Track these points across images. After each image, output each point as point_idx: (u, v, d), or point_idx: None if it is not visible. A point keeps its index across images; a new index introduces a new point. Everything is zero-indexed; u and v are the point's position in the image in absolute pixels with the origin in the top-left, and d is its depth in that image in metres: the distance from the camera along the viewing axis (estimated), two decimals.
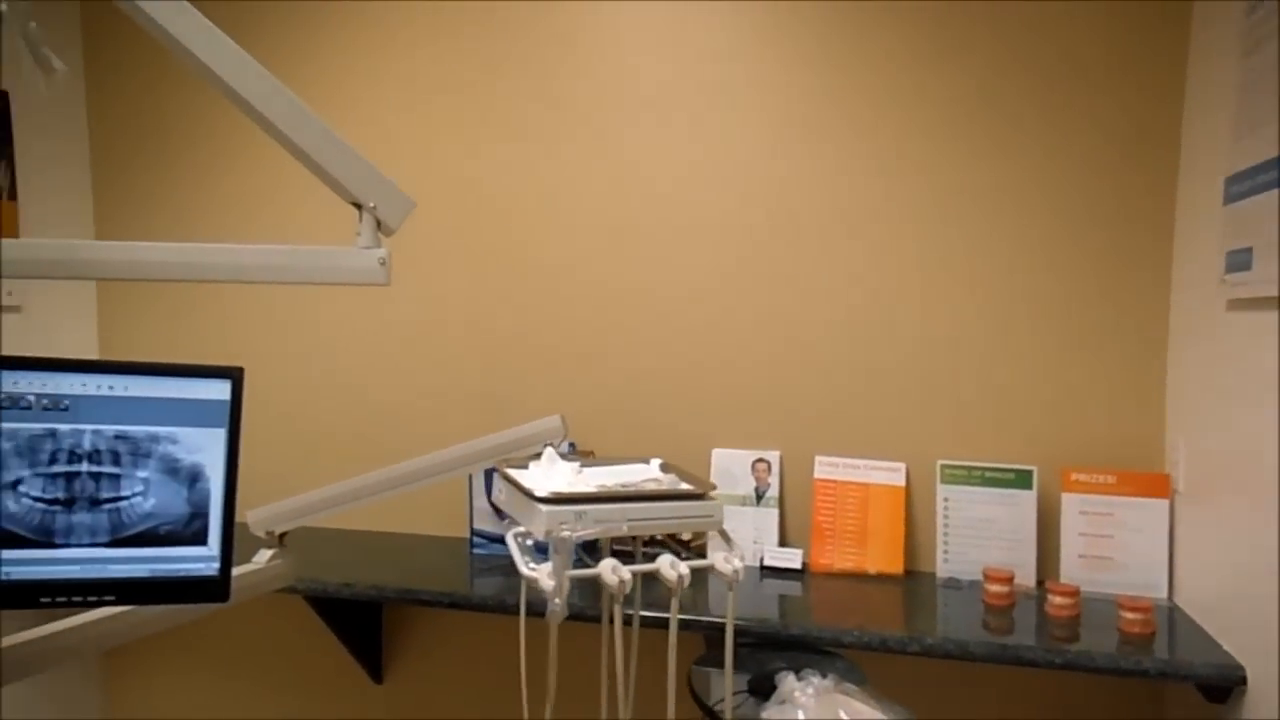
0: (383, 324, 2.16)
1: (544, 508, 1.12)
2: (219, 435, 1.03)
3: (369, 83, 2.13)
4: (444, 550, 2.02)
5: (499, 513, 1.97)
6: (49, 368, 0.96)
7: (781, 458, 1.92)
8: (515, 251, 2.06)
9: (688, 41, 1.94)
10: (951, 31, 1.81)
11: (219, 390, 1.03)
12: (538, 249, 2.05)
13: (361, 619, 2.15)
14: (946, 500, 1.81)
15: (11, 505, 0.96)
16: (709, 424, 1.98)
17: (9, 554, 0.96)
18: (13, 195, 2.16)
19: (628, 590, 1.12)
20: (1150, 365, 1.76)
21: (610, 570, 1.13)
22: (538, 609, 1.14)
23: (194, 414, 1.02)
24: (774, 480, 1.91)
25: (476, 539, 2.00)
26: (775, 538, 1.90)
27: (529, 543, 1.19)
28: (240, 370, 1.03)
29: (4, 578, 0.96)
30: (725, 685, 1.21)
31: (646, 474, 1.35)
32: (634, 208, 2.00)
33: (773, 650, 1.55)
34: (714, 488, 1.27)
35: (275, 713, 2.30)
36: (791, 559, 1.84)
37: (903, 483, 1.85)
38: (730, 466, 1.92)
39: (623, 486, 1.25)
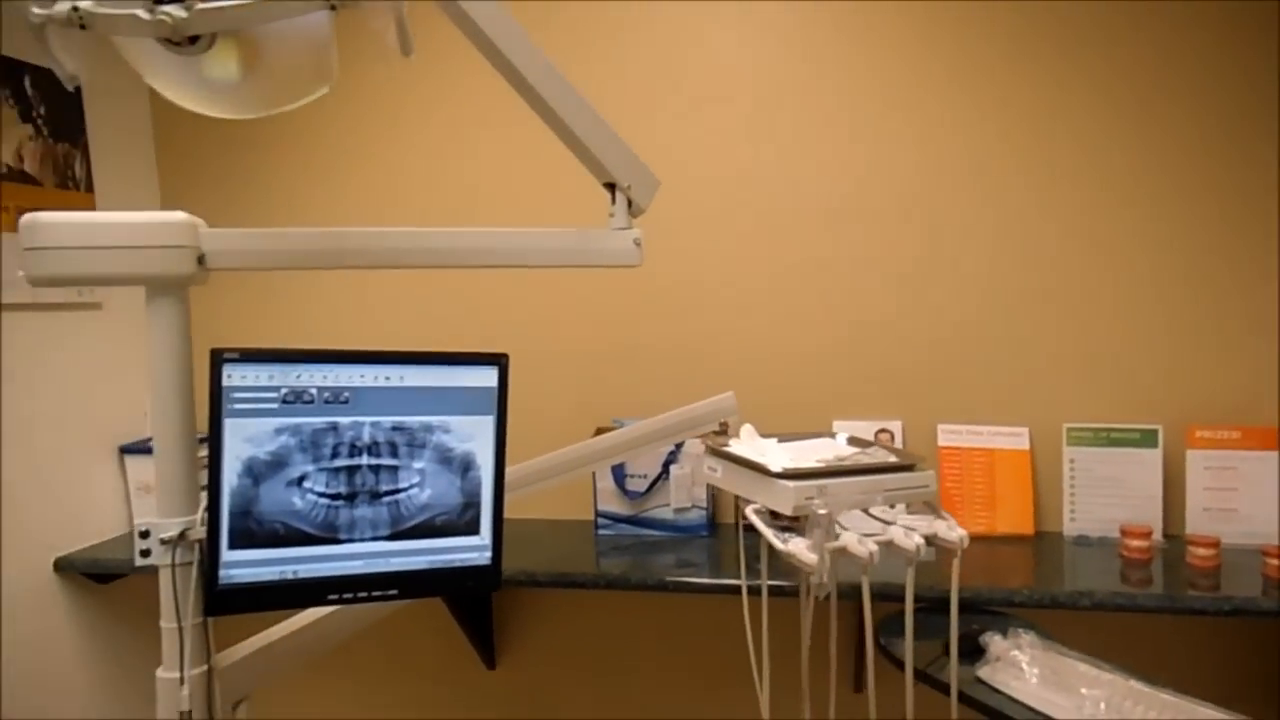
0: (486, 301, 2.14)
1: (790, 483, 1.13)
2: (487, 423, 1.01)
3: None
4: (568, 533, 2.01)
5: (627, 493, 1.97)
6: (331, 360, 0.94)
7: (904, 427, 1.95)
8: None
9: (774, 32, 1.94)
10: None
11: (487, 377, 1.01)
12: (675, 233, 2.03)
13: (474, 604, 2.14)
14: (1073, 461, 1.86)
15: (297, 502, 0.93)
16: (829, 396, 2.00)
17: (297, 552, 0.94)
18: (89, 187, 2.08)
19: (875, 561, 1.13)
20: (1269, 320, 1.82)
21: (856, 542, 1.14)
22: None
23: (464, 402, 1.00)
24: None
25: (601, 520, 1.99)
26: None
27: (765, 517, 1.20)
28: (506, 357, 1.02)
29: (292, 576, 0.94)
30: (951, 654, 1.23)
31: (840, 448, 1.36)
32: (765, 192, 2.01)
33: (940, 614, 1.58)
34: (923, 459, 1.28)
35: (390, 699, 2.29)
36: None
37: (1027, 446, 1.89)
38: None
39: (839, 460, 1.26)
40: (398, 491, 0.98)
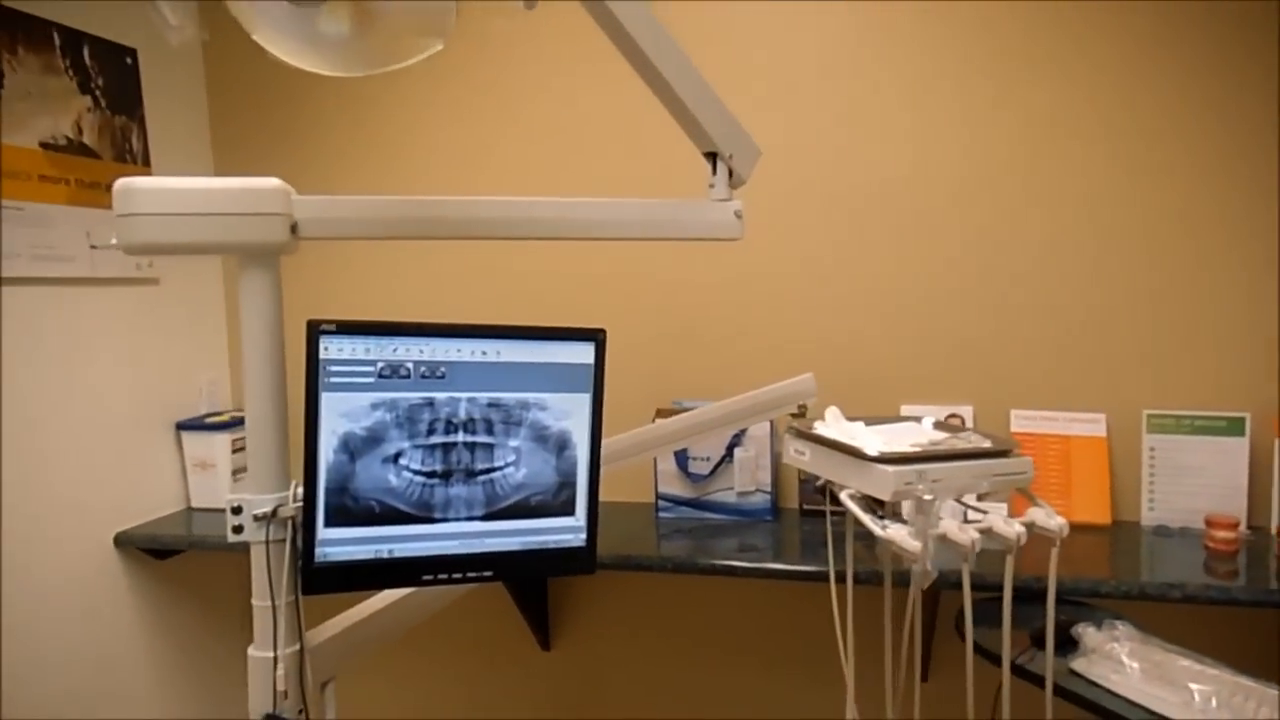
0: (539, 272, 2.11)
1: (889, 468, 1.08)
2: (584, 400, 0.98)
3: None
4: (628, 515, 1.98)
5: (690, 476, 1.93)
6: (428, 333, 0.90)
7: (975, 412, 1.90)
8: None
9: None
10: None
11: (584, 353, 0.98)
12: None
13: (530, 586, 2.12)
14: (1153, 449, 1.79)
15: (393, 479, 0.91)
16: (896, 379, 1.95)
17: (394, 530, 0.91)
18: (146, 160, 2.06)
19: (978, 549, 1.09)
20: None
21: (958, 529, 1.09)
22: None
23: (561, 379, 0.97)
24: None
25: (662, 502, 1.96)
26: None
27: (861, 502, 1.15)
28: (603, 332, 0.98)
29: (388, 555, 0.92)
30: (1047, 644, 1.19)
31: (929, 432, 1.31)
32: (830, 173, 1.95)
33: (1023, 604, 1.53)
34: (1018, 445, 1.24)
35: (447, 680, 2.29)
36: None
37: (1104, 433, 1.83)
38: None
39: (933, 445, 1.21)
40: (493, 470, 0.95)
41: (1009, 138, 1.86)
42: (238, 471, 2.15)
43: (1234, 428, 1.75)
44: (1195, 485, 1.77)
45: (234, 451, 2.14)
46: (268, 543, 0.90)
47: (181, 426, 2.16)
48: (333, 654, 1.00)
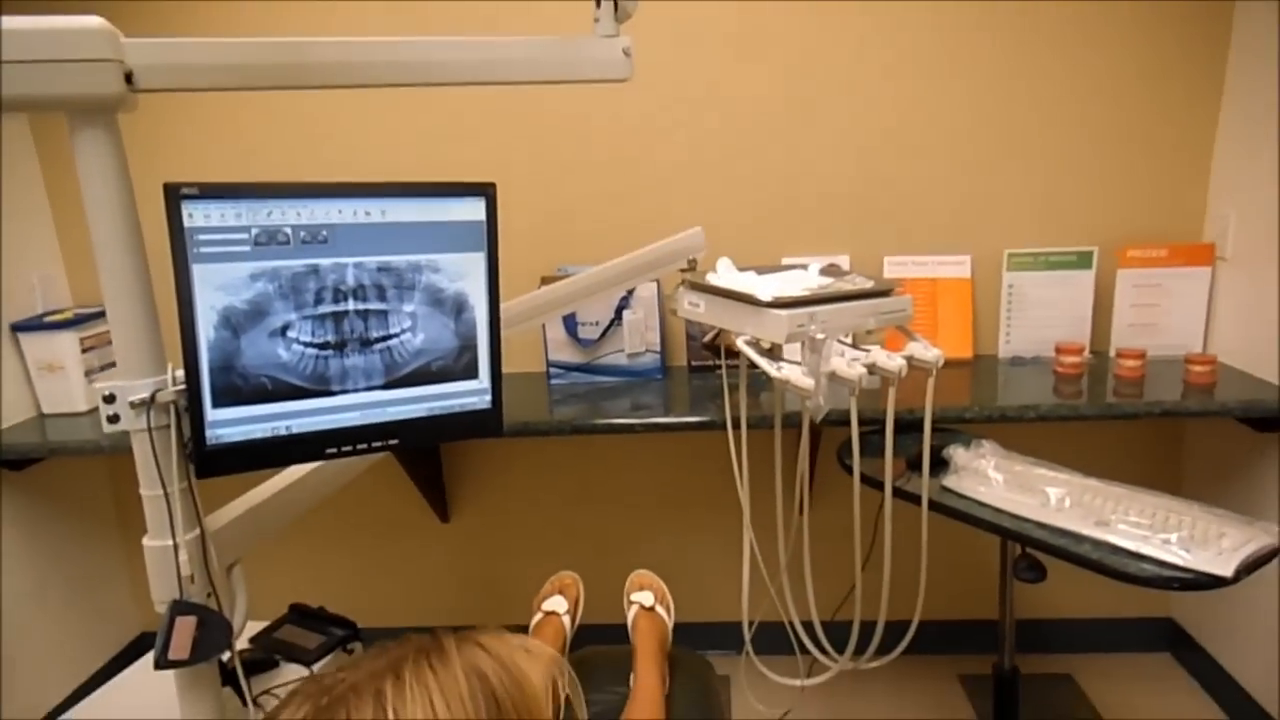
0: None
1: (782, 312, 1.11)
2: (479, 260, 0.94)
3: None
4: (520, 385, 1.98)
5: (580, 341, 1.93)
6: (304, 194, 0.84)
7: (851, 261, 1.97)
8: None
9: None
10: None
11: (475, 210, 0.93)
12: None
13: (424, 459, 2.11)
14: (1011, 286, 1.93)
15: (283, 354, 0.86)
16: (777, 231, 1.98)
17: (288, 407, 0.87)
18: None
19: (864, 385, 1.15)
20: (1200, 141, 1.88)
21: (846, 365, 1.15)
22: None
23: (452, 238, 0.92)
24: None
25: (554, 369, 1.96)
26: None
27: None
28: (493, 186, 0.94)
29: (286, 432, 0.88)
30: (924, 462, 1.29)
31: (816, 278, 1.35)
32: (714, 27, 1.88)
33: (899, 434, 1.65)
34: (899, 284, 1.29)
35: (349, 554, 2.28)
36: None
37: (968, 274, 1.94)
38: None
39: (822, 289, 1.25)
40: (389, 338, 0.91)
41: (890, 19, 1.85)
42: (91, 372, 1.99)
43: (1083, 261, 1.90)
44: (1047, 317, 1.93)
45: (84, 351, 1.97)
46: (150, 430, 0.84)
47: (17, 328, 1.96)
48: (235, 537, 0.97)
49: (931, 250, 1.96)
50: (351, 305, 0.88)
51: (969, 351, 1.96)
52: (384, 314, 0.90)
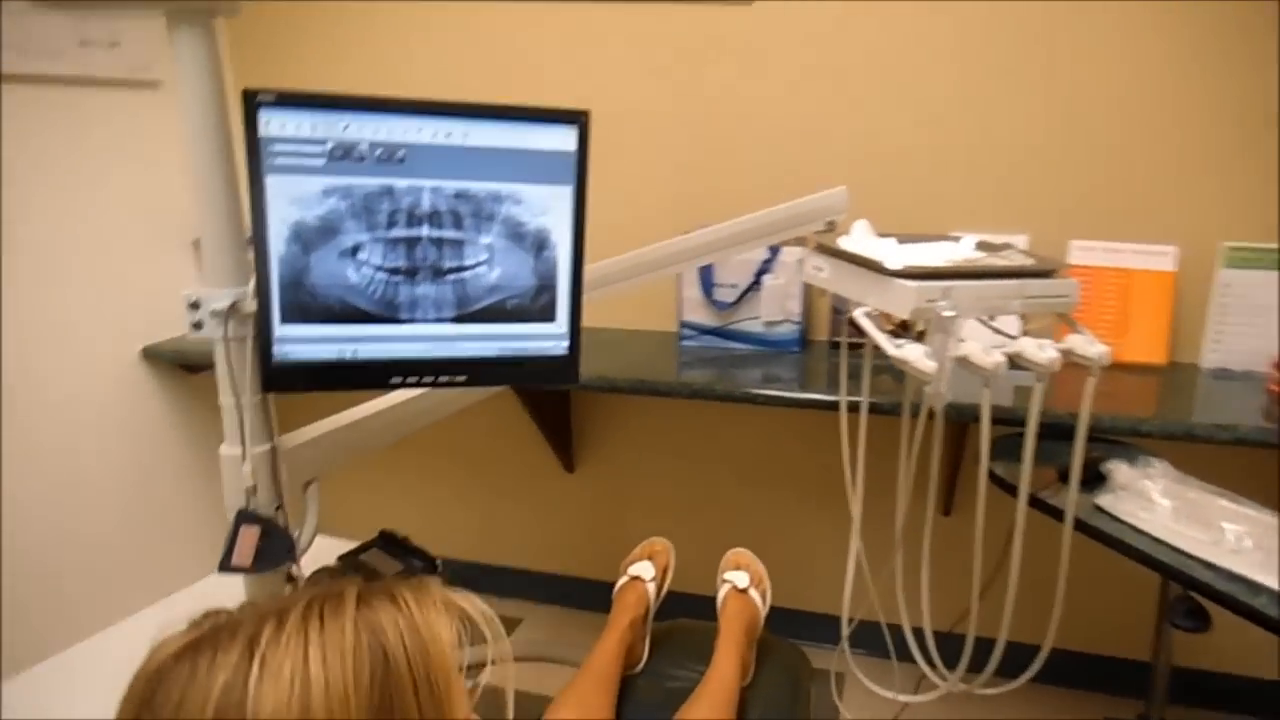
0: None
1: (910, 283, 0.97)
2: (565, 194, 0.88)
3: None
4: (649, 342, 1.92)
5: (715, 304, 1.84)
6: (383, 109, 0.80)
7: (1030, 242, 1.73)
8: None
9: None
10: None
11: (565, 139, 0.86)
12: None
13: (553, 408, 2.11)
14: (1227, 285, 1.63)
15: (353, 275, 0.83)
16: (946, 205, 1.79)
17: (356, 330, 0.85)
18: None
19: (1002, 373, 0.99)
20: None
21: (982, 351, 0.99)
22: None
23: (538, 169, 0.86)
24: None
25: (685, 330, 1.88)
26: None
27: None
28: (586, 114, 0.86)
29: (351, 357, 0.86)
30: (1073, 476, 1.11)
31: (966, 251, 1.18)
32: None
33: (1054, 440, 1.44)
34: (1065, 264, 1.10)
35: (471, 503, 2.34)
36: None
37: (1172, 267, 1.66)
38: None
39: (969, 262, 1.09)
40: (463, 269, 0.86)
41: None
42: None
43: None
44: (1269, 326, 1.62)
45: None
46: (227, 340, 0.85)
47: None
48: (312, 456, 0.97)
49: (1129, 237, 1.69)
50: (425, 231, 0.84)
51: (1163, 357, 1.68)
52: (459, 244, 0.86)
